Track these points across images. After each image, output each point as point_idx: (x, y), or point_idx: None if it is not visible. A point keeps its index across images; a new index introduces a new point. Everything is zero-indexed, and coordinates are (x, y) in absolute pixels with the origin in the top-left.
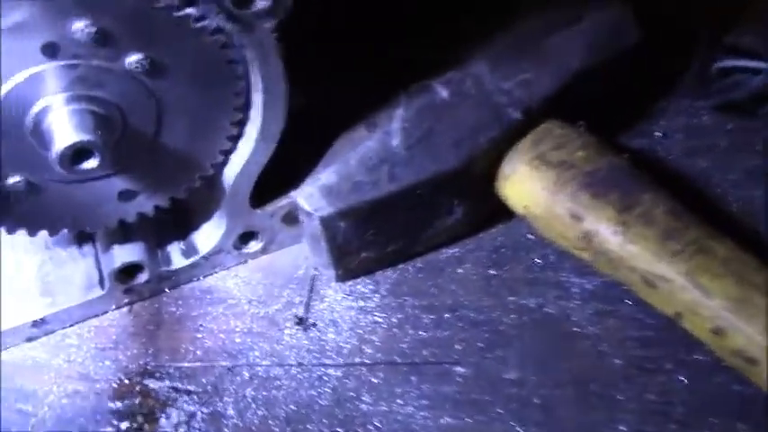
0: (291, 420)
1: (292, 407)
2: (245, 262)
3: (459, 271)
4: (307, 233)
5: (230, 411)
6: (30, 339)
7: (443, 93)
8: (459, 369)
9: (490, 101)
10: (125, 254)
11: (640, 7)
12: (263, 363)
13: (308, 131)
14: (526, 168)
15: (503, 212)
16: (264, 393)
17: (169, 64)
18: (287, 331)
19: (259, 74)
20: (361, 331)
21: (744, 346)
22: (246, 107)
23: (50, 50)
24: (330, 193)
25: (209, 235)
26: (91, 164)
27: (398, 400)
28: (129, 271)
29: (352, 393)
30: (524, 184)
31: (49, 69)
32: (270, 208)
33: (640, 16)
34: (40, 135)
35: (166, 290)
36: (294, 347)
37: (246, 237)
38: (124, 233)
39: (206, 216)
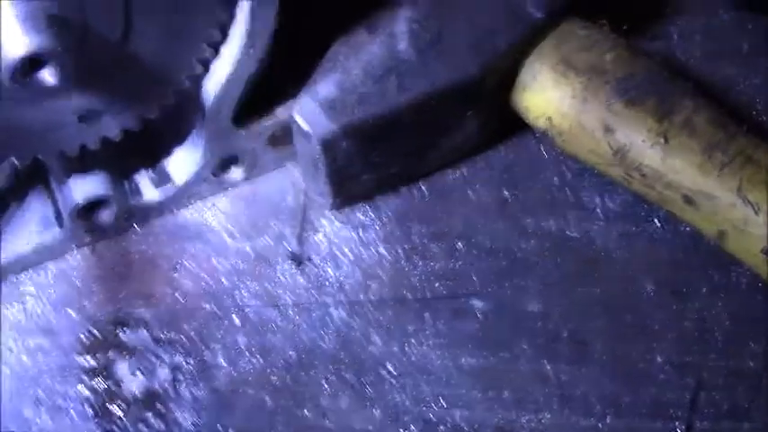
0: (292, 367)
1: (291, 352)
2: (225, 191)
3: (469, 193)
4: (301, 155)
5: (221, 361)
6: None
7: None
8: (476, 303)
9: None
10: (87, 187)
11: None
12: (254, 304)
13: (295, 36)
14: (550, 74)
15: (513, 127)
16: (258, 339)
17: None
18: (279, 268)
19: None
20: (364, 265)
21: None
22: (232, 3)
23: None
24: (332, 107)
25: (184, 161)
26: (46, 77)
27: (412, 340)
28: (91, 206)
29: (358, 334)
30: (547, 93)
31: None
32: (255, 128)
33: None
34: None
35: (134, 226)
36: (289, 286)
37: (226, 162)
38: (84, 162)
39: (180, 139)
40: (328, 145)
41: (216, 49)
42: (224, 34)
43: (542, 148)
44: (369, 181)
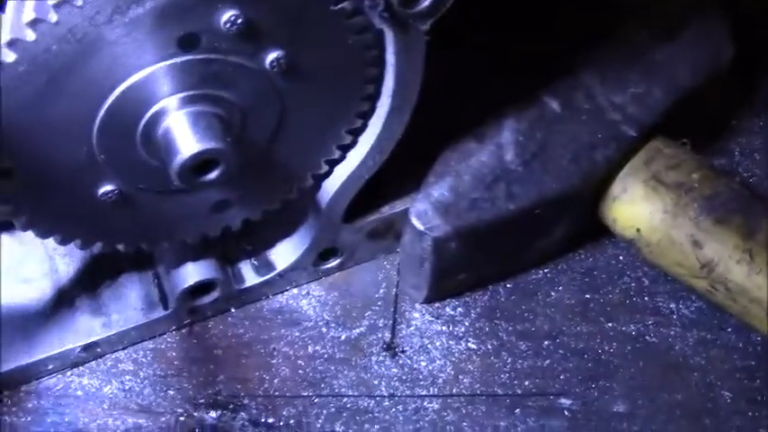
0: None
1: None
2: (319, 279)
3: (553, 294)
4: (407, 252)
5: None
6: (76, 365)
7: (553, 104)
8: (564, 401)
9: (604, 116)
10: (198, 271)
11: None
12: (351, 393)
13: (403, 140)
14: (641, 189)
15: (593, 233)
16: (356, 428)
17: (305, 64)
18: (374, 358)
19: (394, 77)
20: (455, 359)
21: None
22: (367, 114)
23: (189, 42)
24: (446, 210)
25: (288, 250)
26: (213, 175)
27: None
28: (196, 289)
29: (452, 427)
30: (638, 206)
31: (180, 64)
32: (360, 223)
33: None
34: (151, 140)
35: (232, 309)
36: (383, 376)
37: (327, 253)
38: (193, 248)
39: (286, 230)
40: (439, 245)
41: (344, 151)
42: (354, 138)
43: (619, 255)
44: (463, 279)
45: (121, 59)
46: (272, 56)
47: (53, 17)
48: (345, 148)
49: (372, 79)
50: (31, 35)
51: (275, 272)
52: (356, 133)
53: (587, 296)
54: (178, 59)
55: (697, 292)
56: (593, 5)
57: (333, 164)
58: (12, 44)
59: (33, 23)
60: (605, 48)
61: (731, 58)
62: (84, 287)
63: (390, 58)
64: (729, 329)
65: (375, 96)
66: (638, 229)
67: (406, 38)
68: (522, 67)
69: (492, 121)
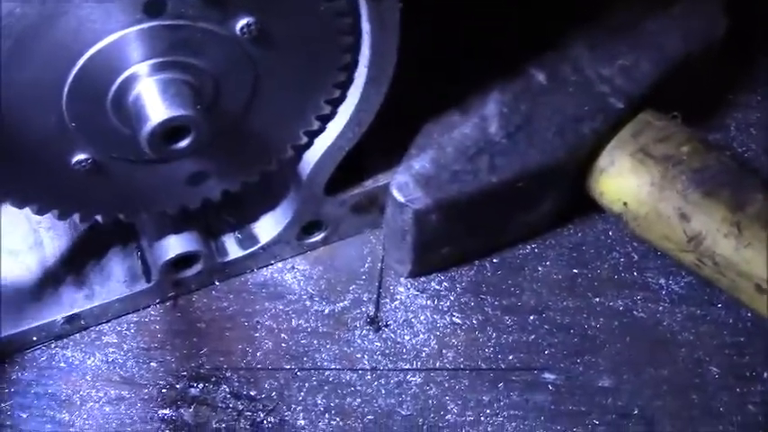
0: (370, 431)
1: (370, 416)
2: (304, 253)
3: (540, 269)
4: (388, 224)
5: (300, 421)
6: (60, 337)
7: (539, 76)
8: (548, 376)
9: (591, 88)
10: (180, 243)
11: None
12: (333, 367)
13: (387, 112)
14: (628, 162)
15: (581, 207)
16: (337, 401)
17: (277, 31)
18: (357, 332)
19: (370, 47)
20: (439, 333)
21: None
22: (345, 84)
23: (155, 7)
24: (427, 183)
25: (271, 223)
26: (183, 143)
27: (487, 410)
28: (179, 262)
29: (435, 401)
30: (625, 179)
31: (148, 30)
32: (343, 196)
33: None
34: (122, 108)
35: (216, 282)
36: (366, 350)
37: (310, 226)
38: (174, 220)
39: (269, 202)
40: (420, 217)
41: (323, 122)
42: (333, 109)
43: (608, 229)
44: (447, 252)
45: (88, 24)
46: (241, 22)
47: None
48: (325, 119)
49: (348, 48)
50: None
51: (258, 245)
52: (335, 104)
53: (575, 271)
54: (145, 25)
55: (686, 267)
56: None
57: (313, 135)
58: None
59: None
60: (594, 19)
61: (724, 32)
62: (68, 260)
63: (365, 26)
64: (719, 305)
65: (352, 66)
66: (625, 203)
67: (380, 5)
68: (508, 38)
69: (476, 93)
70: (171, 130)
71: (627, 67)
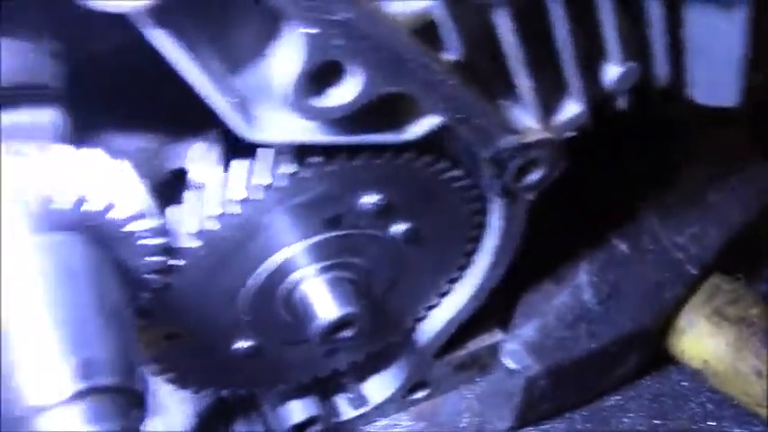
0: None
1: None
2: (407, 409)
3: (625, 420)
4: (495, 387)
5: None
6: None
7: (622, 246)
8: None
9: (669, 257)
10: (302, 408)
11: None
12: None
13: None
14: (705, 324)
15: (658, 358)
16: None
17: (425, 231)
18: None
19: (497, 236)
20: None
21: None
22: (465, 266)
23: (334, 222)
24: (536, 350)
25: (381, 385)
26: (348, 333)
27: None
28: (300, 426)
29: None
30: (704, 340)
31: (324, 240)
32: (449, 357)
33: None
34: (290, 303)
35: None
36: None
37: (416, 386)
38: (299, 388)
39: (381, 366)
40: (531, 382)
41: (441, 298)
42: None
43: (683, 380)
44: (546, 408)
45: (274, 238)
46: (399, 227)
47: (236, 210)
48: (443, 295)
49: (474, 238)
50: (215, 225)
51: (370, 405)
52: (454, 282)
53: (656, 422)
54: (321, 237)
55: (760, 418)
56: (653, 153)
57: (431, 309)
58: (200, 234)
59: (220, 216)
60: (666, 193)
61: None
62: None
63: (495, 221)
64: None
65: (473, 252)
66: (705, 360)
67: (513, 205)
68: (591, 212)
69: (566, 263)
70: (338, 324)
71: (696, 235)
